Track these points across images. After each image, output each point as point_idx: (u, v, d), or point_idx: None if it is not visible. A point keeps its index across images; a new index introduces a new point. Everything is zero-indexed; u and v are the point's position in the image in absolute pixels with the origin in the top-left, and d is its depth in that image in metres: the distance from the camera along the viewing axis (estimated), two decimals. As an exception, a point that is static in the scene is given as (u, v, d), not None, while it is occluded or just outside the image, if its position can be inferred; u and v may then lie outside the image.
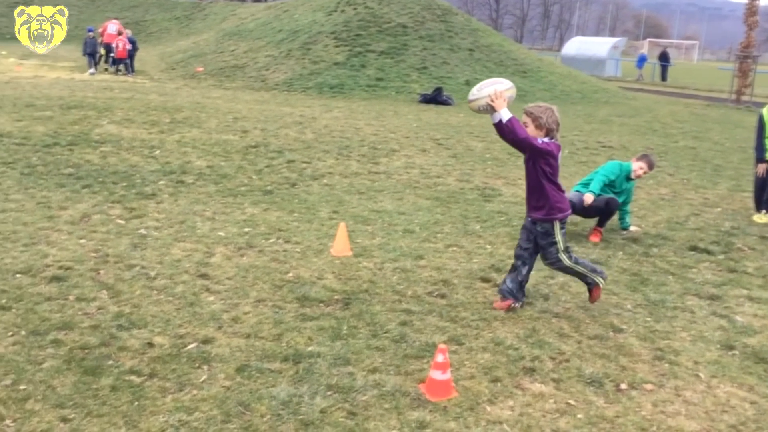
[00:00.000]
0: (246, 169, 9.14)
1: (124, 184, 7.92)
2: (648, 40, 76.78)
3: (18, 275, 4.98)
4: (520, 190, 8.92)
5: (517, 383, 3.92)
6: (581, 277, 4.93)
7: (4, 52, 27.05)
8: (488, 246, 6.49)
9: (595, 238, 6.86)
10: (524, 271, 4.95)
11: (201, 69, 23.49)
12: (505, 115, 4.47)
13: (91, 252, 5.59)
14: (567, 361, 4.22)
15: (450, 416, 3.54)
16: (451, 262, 5.93)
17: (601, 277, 4.95)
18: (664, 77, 39.03)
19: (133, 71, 22.75)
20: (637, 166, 6.94)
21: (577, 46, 44.05)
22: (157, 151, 9.78)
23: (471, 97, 4.61)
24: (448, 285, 5.38)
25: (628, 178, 6.94)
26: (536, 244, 4.87)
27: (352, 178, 9.11)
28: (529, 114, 4.65)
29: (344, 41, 22.95)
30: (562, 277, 5.68)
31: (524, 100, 20.79)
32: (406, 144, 11.87)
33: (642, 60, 41.45)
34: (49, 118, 11.87)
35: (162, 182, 8.13)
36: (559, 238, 4.77)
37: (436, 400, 3.65)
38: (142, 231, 6.23)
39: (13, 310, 4.39)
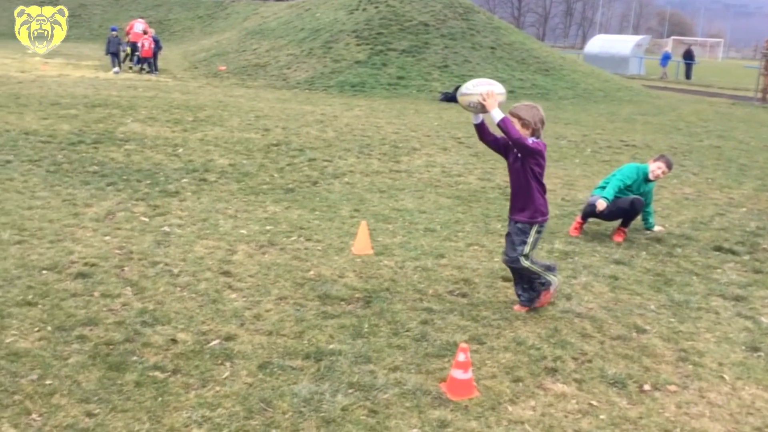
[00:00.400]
0: (268, 168, 9.19)
1: (148, 181, 8.00)
2: (672, 37, 75.91)
3: (44, 271, 5.05)
4: (542, 189, 8.87)
5: (538, 383, 3.90)
6: (534, 278, 4.79)
7: (29, 51, 27.43)
8: (510, 245, 6.45)
9: (618, 238, 6.80)
10: (533, 269, 4.85)
11: (223, 68, 23.64)
12: (497, 115, 4.45)
13: (116, 249, 5.65)
14: (589, 361, 4.20)
15: (471, 416, 3.53)
16: (473, 261, 5.92)
17: (553, 274, 4.89)
18: (688, 75, 38.56)
19: (156, 70, 22.95)
20: (654, 167, 6.84)
21: (600, 44, 43.67)
22: (181, 150, 9.86)
23: (465, 90, 4.54)
24: (470, 284, 5.37)
25: (647, 180, 6.86)
26: None
27: (373, 176, 9.12)
28: (515, 114, 4.59)
29: (365, 40, 22.97)
30: (585, 277, 5.65)
31: (547, 98, 20.72)
32: (427, 142, 11.85)
33: (666, 58, 40.99)
34: (74, 116, 12.01)
35: (185, 180, 8.20)
36: (530, 240, 4.69)
37: (458, 399, 3.65)
38: (166, 228, 6.29)
39: (40, 306, 4.45)
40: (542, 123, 4.61)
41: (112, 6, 45.31)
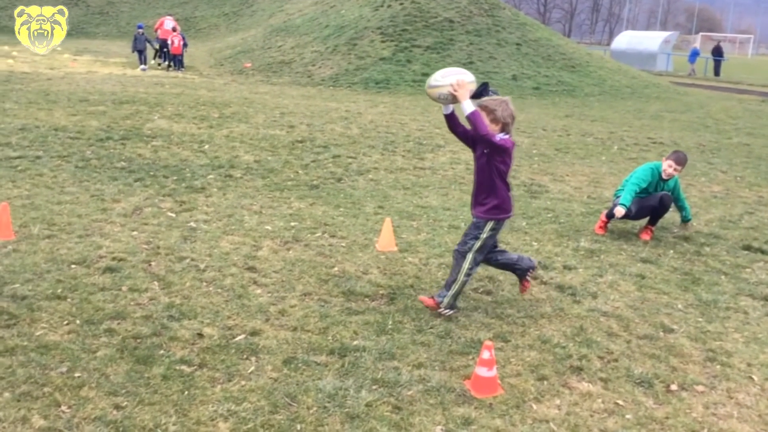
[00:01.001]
0: (292, 164, 9.23)
1: (175, 177, 8.08)
2: (701, 34, 74.84)
3: (73, 266, 5.12)
4: (568, 187, 8.81)
5: (564, 382, 3.88)
6: (451, 280, 4.61)
7: (58, 48, 27.82)
8: (534, 243, 6.43)
9: (645, 236, 6.73)
10: (504, 258, 4.80)
11: (249, 65, 23.77)
12: (468, 107, 4.30)
13: (143, 244, 5.72)
14: (615, 360, 4.16)
15: (496, 413, 3.52)
16: (497, 259, 5.89)
17: (455, 301, 4.65)
18: (717, 72, 37.98)
19: (183, 67, 23.15)
20: (666, 165, 6.69)
21: (627, 40, 43.19)
22: (206, 146, 9.94)
23: (433, 82, 4.38)
24: (494, 281, 5.35)
25: (663, 179, 6.77)
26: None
27: (397, 173, 9.12)
28: (484, 107, 4.39)
29: (390, 36, 22.95)
30: (611, 276, 5.60)
31: (573, 95, 20.55)
32: (452, 139, 11.80)
33: (694, 54, 40.40)
34: (103, 112, 12.16)
35: (211, 176, 8.27)
36: (483, 236, 4.53)
37: (482, 396, 3.64)
38: (192, 224, 6.34)
39: (69, 300, 4.52)
40: (512, 119, 4.45)
41: (139, 3, 45.77)
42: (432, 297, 4.67)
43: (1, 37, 30.71)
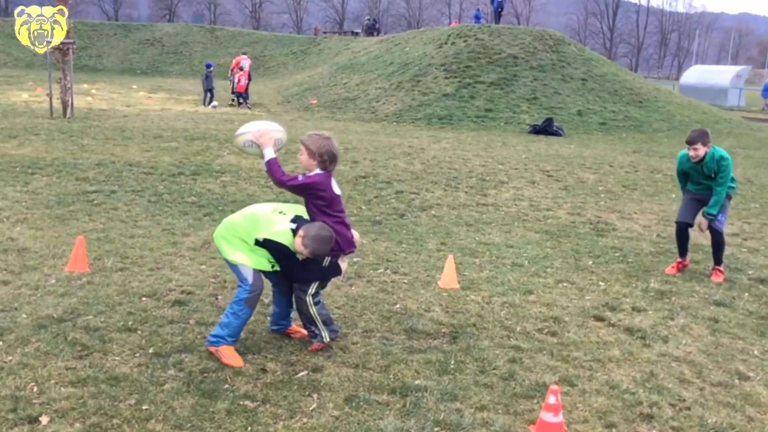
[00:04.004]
0: (356, 200, 9.32)
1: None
2: (775, 67, 72.56)
3: (144, 298, 5.27)
4: (636, 225, 8.61)
5: (633, 430, 3.74)
6: (310, 324, 4.48)
7: (134, 86, 29.05)
8: (601, 282, 6.28)
9: (716, 278, 6.48)
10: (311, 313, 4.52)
11: (314, 101, 24.26)
12: (267, 154, 4.33)
13: (210, 278, 5.85)
14: (688, 408, 4.00)
15: (561, 460, 3.42)
16: (562, 299, 5.78)
17: (330, 335, 4.53)
18: (793, 106, 36.72)
19: (247, 100, 23.77)
20: (687, 150, 6.49)
21: (697, 74, 42.31)
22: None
23: (238, 132, 4.47)
24: (559, 322, 5.24)
25: (696, 161, 6.43)
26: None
27: (460, 209, 9.09)
28: (303, 142, 4.37)
29: (454, 73, 23.09)
30: (682, 319, 5.41)
31: (640, 130, 20.18)
32: (515, 175, 11.73)
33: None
34: (175, 148, 12.59)
35: (276, 211, 8.41)
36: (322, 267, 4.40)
37: (547, 442, 3.54)
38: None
39: (139, 332, 4.64)
40: (331, 156, 4.33)
41: (211, 43, 47.50)
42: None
43: (82, 75, 32.30)
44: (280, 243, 4.22)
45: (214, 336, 4.34)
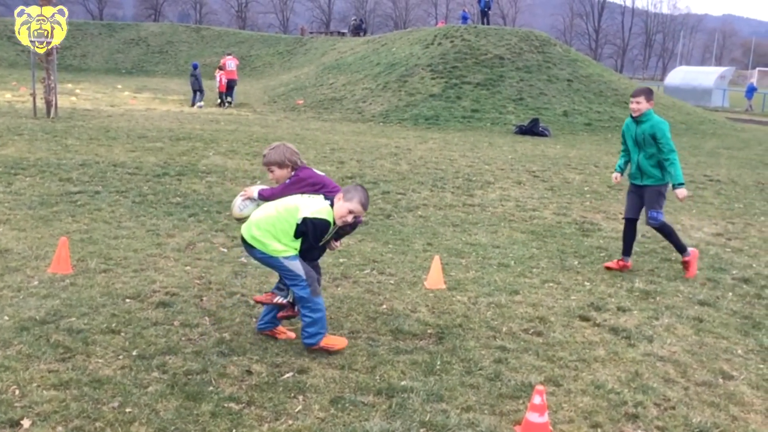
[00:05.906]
0: (342, 200, 9.29)
1: (228, 213, 8.21)
2: (757, 69, 73.14)
3: (128, 300, 5.23)
4: (621, 225, 8.63)
5: (619, 430, 3.75)
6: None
7: (119, 86, 28.86)
8: (587, 283, 6.30)
9: (690, 273, 6.54)
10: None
11: (301, 102, 24.21)
12: (255, 191, 4.63)
13: (196, 279, 5.81)
14: (673, 408, 4.01)
15: (547, 461, 3.42)
16: (548, 299, 5.79)
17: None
18: (776, 107, 37.09)
19: (230, 98, 23.76)
20: (630, 104, 6.53)
21: (681, 75, 42.65)
22: (259, 182, 10.11)
23: (233, 210, 4.74)
24: (545, 322, 5.25)
25: (636, 120, 6.41)
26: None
27: (446, 210, 9.09)
28: (267, 163, 4.64)
29: (440, 73, 23.12)
30: (667, 319, 5.44)
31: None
32: (501, 176, 11.76)
33: (751, 90, 39.60)
34: (160, 149, 12.52)
35: (262, 212, 8.38)
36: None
37: (533, 443, 3.54)
38: (243, 259, 6.42)
39: (122, 334, 4.60)
40: (295, 155, 4.63)
41: (197, 43, 47.30)
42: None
43: (66, 75, 32.05)
44: (323, 219, 4.32)
45: (309, 336, 4.42)
